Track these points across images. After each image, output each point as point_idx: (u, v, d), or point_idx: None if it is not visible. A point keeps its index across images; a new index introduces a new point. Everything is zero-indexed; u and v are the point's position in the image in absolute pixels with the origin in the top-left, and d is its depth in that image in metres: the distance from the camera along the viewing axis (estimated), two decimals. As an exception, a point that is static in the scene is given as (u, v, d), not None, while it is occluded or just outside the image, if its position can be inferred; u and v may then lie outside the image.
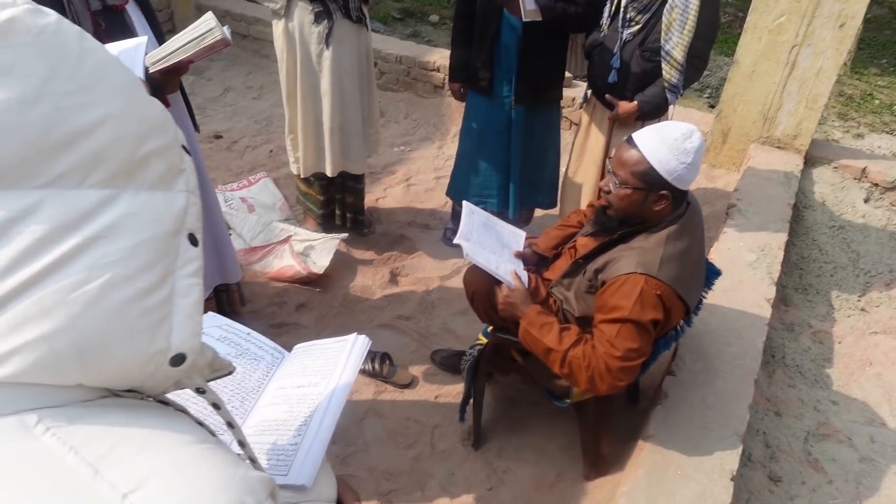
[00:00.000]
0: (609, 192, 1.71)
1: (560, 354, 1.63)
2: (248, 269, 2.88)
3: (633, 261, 1.63)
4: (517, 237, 2.03)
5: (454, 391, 2.43)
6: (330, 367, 0.87)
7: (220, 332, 0.95)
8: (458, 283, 2.98)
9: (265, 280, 2.87)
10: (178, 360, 0.49)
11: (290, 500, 0.74)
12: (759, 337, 2.28)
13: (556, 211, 3.12)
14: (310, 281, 2.86)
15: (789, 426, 2.37)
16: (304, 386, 0.87)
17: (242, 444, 0.64)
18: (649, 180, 1.60)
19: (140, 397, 0.53)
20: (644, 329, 1.61)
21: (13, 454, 0.41)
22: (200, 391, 0.55)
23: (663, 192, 1.61)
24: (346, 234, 3.05)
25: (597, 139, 2.78)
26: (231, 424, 0.61)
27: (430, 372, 2.51)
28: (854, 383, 2.61)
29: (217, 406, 0.58)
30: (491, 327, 2.06)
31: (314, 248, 2.95)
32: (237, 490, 0.45)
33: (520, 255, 1.97)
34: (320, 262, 2.88)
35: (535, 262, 2.03)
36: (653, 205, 1.64)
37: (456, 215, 3.21)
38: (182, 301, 0.48)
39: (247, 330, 0.96)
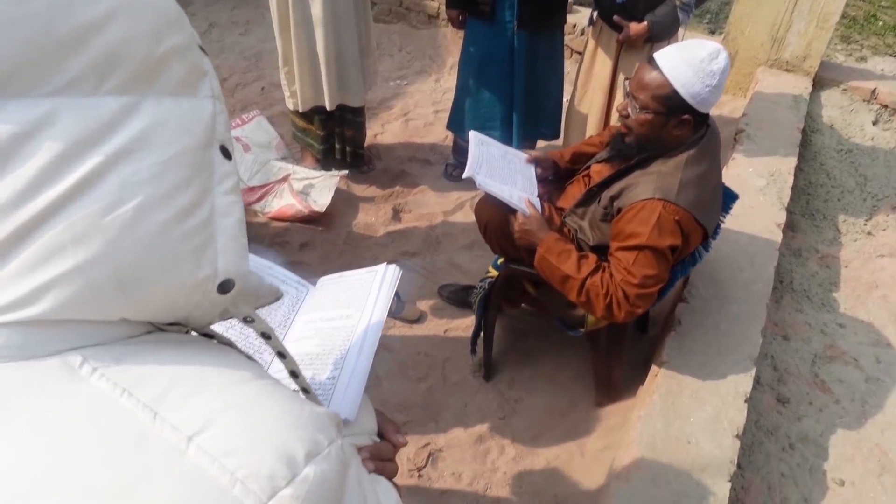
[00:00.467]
0: (627, 117, 1.64)
1: (578, 282, 1.60)
2: (247, 209, 2.82)
3: (651, 186, 1.58)
4: (528, 164, 1.97)
5: (463, 325, 2.42)
6: (361, 298, 0.83)
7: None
8: (462, 217, 2.94)
9: (265, 220, 2.82)
10: (225, 286, 0.44)
11: None
12: (771, 262, 2.26)
13: (559, 141, 3.04)
14: (311, 220, 2.81)
15: (797, 349, 2.39)
16: (335, 318, 0.82)
17: (295, 374, 0.60)
18: (671, 104, 1.54)
19: (185, 331, 0.49)
20: (662, 255, 1.58)
21: (62, 399, 0.37)
22: (248, 320, 0.51)
23: (685, 116, 1.55)
24: (346, 171, 2.97)
25: (603, 64, 2.68)
26: (283, 354, 0.57)
27: (437, 307, 2.50)
28: (860, 306, 2.62)
29: (267, 336, 0.54)
30: (502, 259, 2.03)
31: (314, 187, 2.88)
32: (308, 427, 0.41)
33: (534, 160, 1.92)
34: (321, 200, 2.82)
35: (552, 169, 1.97)
36: (673, 129, 1.58)
37: (458, 149, 3.13)
38: (224, 221, 0.44)
39: (269, 263, 0.91)
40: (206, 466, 0.37)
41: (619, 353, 2.05)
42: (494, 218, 1.83)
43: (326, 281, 0.91)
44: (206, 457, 0.37)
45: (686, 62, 1.49)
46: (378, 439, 0.73)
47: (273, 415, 0.41)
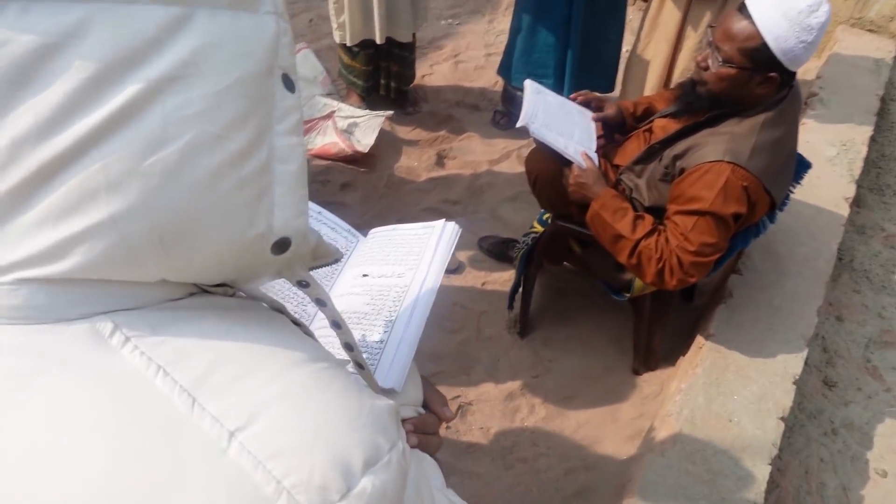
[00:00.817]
0: (706, 69, 1.51)
1: (631, 243, 1.51)
2: (289, 144, 2.76)
3: (721, 147, 1.46)
4: (587, 116, 1.86)
5: (501, 279, 2.36)
6: (415, 256, 0.76)
7: None
8: (507, 167, 2.84)
9: (308, 157, 2.76)
10: (282, 245, 0.38)
11: None
12: (835, 238, 2.13)
13: (615, 94, 2.88)
14: (354, 160, 2.74)
15: (850, 332, 2.27)
16: (386, 276, 0.76)
17: (350, 347, 0.54)
18: (759, 59, 1.39)
19: (231, 293, 0.42)
20: (723, 223, 1.47)
21: (88, 376, 0.32)
22: (303, 284, 0.44)
23: (771, 73, 1.41)
24: (392, 112, 2.88)
25: (671, 13, 2.49)
26: (338, 324, 0.50)
27: (476, 258, 2.44)
28: (924, 291, 2.47)
29: (322, 303, 0.47)
30: (548, 214, 1.95)
31: (358, 126, 2.80)
32: (367, 427, 0.35)
33: (600, 118, 1.80)
34: (365, 140, 2.75)
35: (619, 122, 1.85)
36: (756, 87, 1.44)
37: (507, 96, 3.00)
38: (283, 169, 0.37)
39: (318, 208, 0.84)
40: (250, 470, 0.31)
41: (662, 321, 1.97)
42: (546, 169, 1.73)
43: (379, 233, 0.84)
44: (250, 459, 0.31)
45: (783, 13, 1.34)
46: (423, 410, 0.68)
47: (330, 410, 0.35)
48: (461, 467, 1.81)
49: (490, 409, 1.96)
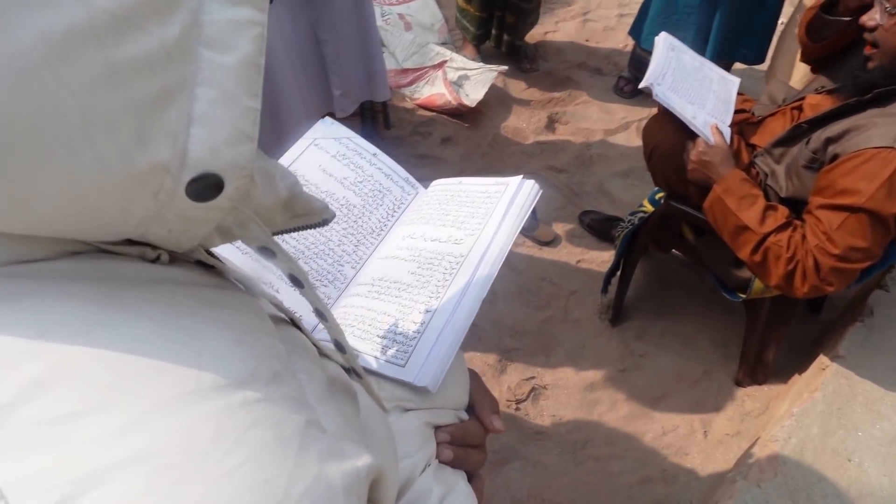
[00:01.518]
0: (874, 29, 1.23)
1: (757, 237, 1.28)
2: (396, 91, 2.66)
3: (892, 132, 1.19)
4: (729, 84, 1.59)
5: (598, 258, 2.16)
6: (479, 219, 0.62)
7: (338, 146, 0.68)
8: (623, 139, 2.59)
9: (413, 106, 2.66)
10: (206, 187, 0.24)
11: (405, 403, 0.51)
12: None
13: (762, 67, 2.54)
14: (459, 113, 2.60)
15: None
16: (440, 240, 0.62)
17: (340, 347, 0.38)
18: None
19: (154, 256, 0.28)
20: (881, 224, 1.21)
21: None
22: (267, 252, 0.31)
23: None
24: (506, 68, 2.70)
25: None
26: (322, 315, 0.36)
27: (574, 233, 2.25)
28: None
29: (297, 281, 0.33)
30: (661, 194, 1.72)
31: (469, 79, 2.65)
32: None
33: None
34: (473, 94, 2.59)
35: None
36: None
37: (636, 61, 2.73)
38: (215, 59, 0.23)
39: (373, 149, 0.70)
40: None
41: (780, 331, 1.71)
42: (666, 141, 1.51)
43: (441, 186, 0.70)
44: None
45: None
46: (466, 415, 0.55)
47: (226, 489, 0.20)
48: (525, 453, 1.67)
49: (566, 397, 1.80)
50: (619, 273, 1.91)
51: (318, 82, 1.88)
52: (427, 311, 0.55)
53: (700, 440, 1.72)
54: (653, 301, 2.06)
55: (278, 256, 0.31)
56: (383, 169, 0.70)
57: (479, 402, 0.56)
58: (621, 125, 2.66)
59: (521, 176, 0.65)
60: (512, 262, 2.13)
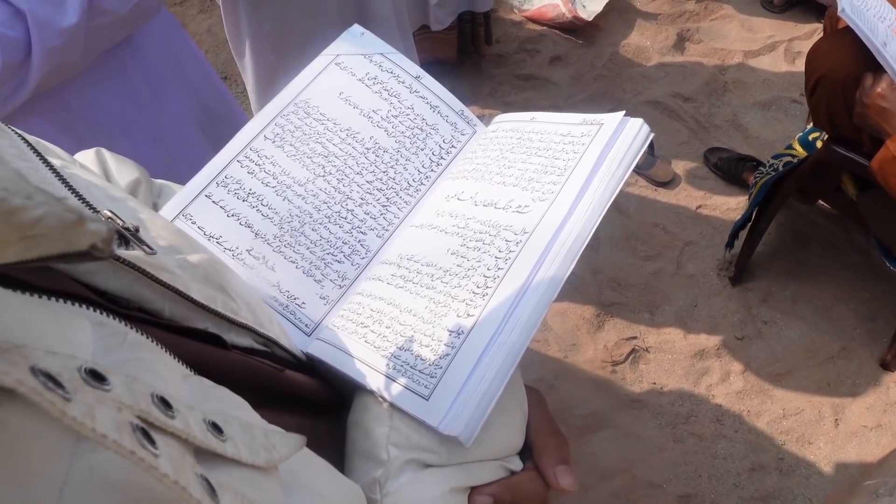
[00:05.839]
0: None
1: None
2: (502, 2, 2.38)
3: None
4: None
5: (723, 205, 1.87)
6: (557, 175, 0.42)
7: (369, 66, 0.49)
8: (768, 63, 2.19)
9: (520, 19, 2.37)
10: None
11: (424, 456, 0.35)
12: None
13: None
14: (573, 29, 2.29)
15: None
16: (497, 206, 0.42)
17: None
18: None
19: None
20: None
21: None
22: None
23: None
24: (632, -26, 2.33)
25: None
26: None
27: (697, 174, 1.95)
28: None
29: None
30: (817, 134, 1.40)
31: (587, -13, 2.31)
32: None
33: None
34: (591, 6, 2.26)
35: None
36: None
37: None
38: None
39: (416, 70, 0.50)
40: None
41: (953, 312, 1.39)
42: (841, 69, 1.18)
43: (506, 124, 0.49)
44: None
45: None
46: (518, 463, 0.37)
47: None
48: (618, 422, 1.50)
49: (671, 363, 1.59)
50: (749, 225, 1.63)
51: (412, -11, 1.66)
52: (468, 317, 0.37)
53: (829, 429, 1.47)
54: (785, 259, 1.76)
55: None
56: (429, 98, 0.50)
57: (540, 443, 0.38)
58: (766, 45, 2.24)
59: (623, 112, 0.44)
60: (620, 204, 1.88)
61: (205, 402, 0.23)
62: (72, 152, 0.68)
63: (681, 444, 1.47)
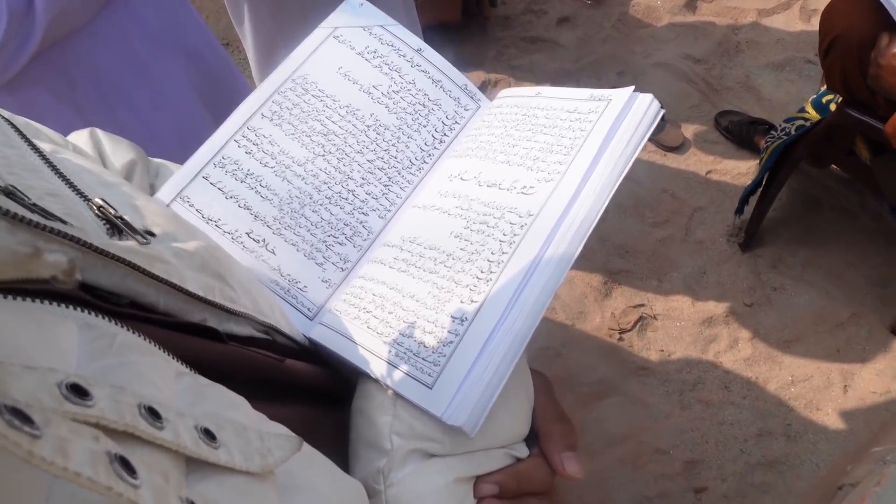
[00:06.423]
0: None
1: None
2: (509, -40, 2.31)
3: None
4: None
5: (734, 169, 1.84)
6: (563, 154, 0.40)
7: (368, 39, 0.47)
8: (782, 22, 2.13)
9: (527, -21, 2.30)
10: None
11: (428, 446, 0.34)
12: None
13: None
14: (581, -12, 2.23)
15: None
16: (501, 187, 0.41)
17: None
18: None
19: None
20: None
21: None
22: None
23: None
24: (642, -71, 2.25)
25: None
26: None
27: (708, 137, 1.91)
28: None
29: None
30: (830, 96, 1.36)
31: (595, -56, 2.24)
32: None
33: None
34: (599, -37, 2.20)
35: None
36: None
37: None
38: None
39: (418, 43, 0.48)
40: None
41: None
42: (855, 30, 1.14)
43: (510, 100, 0.47)
44: None
45: None
46: (524, 450, 0.37)
47: None
48: (626, 389, 1.50)
49: (679, 330, 1.59)
50: (760, 190, 1.60)
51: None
52: (472, 303, 0.36)
53: (838, 395, 1.47)
54: (796, 225, 1.74)
55: None
56: (431, 72, 0.48)
57: (546, 429, 0.37)
58: (780, 4, 2.18)
59: (633, 88, 0.42)
60: (629, 172, 1.85)
61: (198, 404, 0.23)
62: (73, 124, 0.67)
63: (688, 411, 1.47)
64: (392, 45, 0.48)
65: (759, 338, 1.56)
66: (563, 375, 1.52)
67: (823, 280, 1.64)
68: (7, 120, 0.33)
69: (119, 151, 0.45)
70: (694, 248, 1.72)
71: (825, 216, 1.74)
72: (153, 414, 0.18)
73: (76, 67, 0.80)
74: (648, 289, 1.66)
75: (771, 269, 1.67)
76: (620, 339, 1.58)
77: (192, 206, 0.43)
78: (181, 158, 0.46)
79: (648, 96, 0.41)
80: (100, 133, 0.46)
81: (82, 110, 0.81)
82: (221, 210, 0.43)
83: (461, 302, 0.37)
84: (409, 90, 0.47)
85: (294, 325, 0.40)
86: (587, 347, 1.57)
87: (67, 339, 0.20)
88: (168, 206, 0.43)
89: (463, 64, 2.10)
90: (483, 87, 2.07)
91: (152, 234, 0.31)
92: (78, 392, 0.16)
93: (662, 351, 1.56)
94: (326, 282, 0.43)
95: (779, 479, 1.37)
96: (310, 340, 0.41)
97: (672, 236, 1.74)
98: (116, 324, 0.23)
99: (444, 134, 0.47)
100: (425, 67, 0.48)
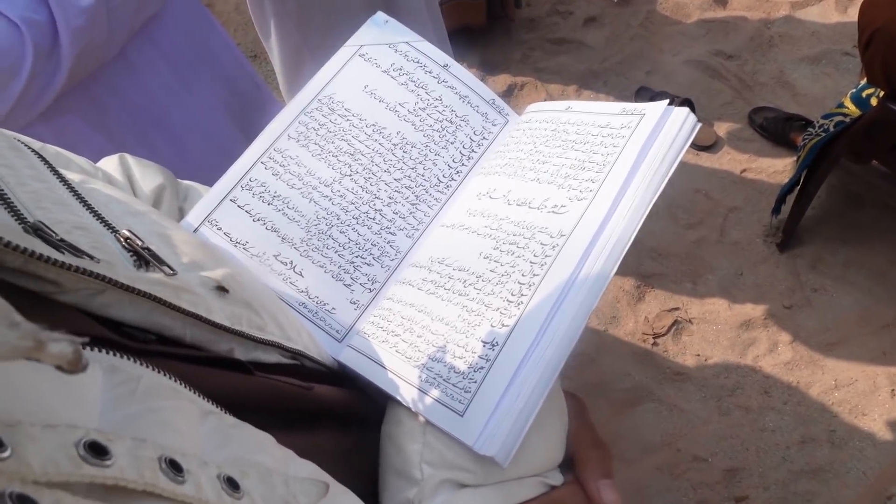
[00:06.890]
0: None
1: None
2: (533, -38, 2.29)
3: None
4: None
5: (769, 168, 1.79)
6: (596, 171, 0.39)
7: (394, 56, 0.47)
8: (818, 14, 2.07)
9: (552, -20, 2.28)
10: None
11: (459, 475, 0.33)
12: None
13: None
14: (607, -13, 2.20)
15: None
16: (531, 205, 0.40)
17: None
18: None
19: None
20: None
21: None
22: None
23: None
24: (669, -75, 2.21)
25: None
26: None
27: (741, 135, 1.87)
28: None
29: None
30: (871, 90, 1.32)
31: (621, -58, 2.21)
32: None
33: None
34: (626, -39, 2.17)
35: None
36: None
37: None
38: None
39: (444, 58, 0.47)
40: None
41: None
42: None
43: (540, 114, 0.45)
44: None
45: None
46: (558, 477, 0.36)
47: None
48: (661, 394, 1.47)
49: (715, 334, 1.55)
50: (798, 188, 1.55)
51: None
52: (503, 327, 0.35)
53: (885, 400, 1.42)
54: (836, 223, 1.68)
55: None
56: (457, 88, 0.47)
57: (582, 455, 0.36)
58: (816, -5, 2.12)
59: (667, 101, 0.41)
60: (660, 171, 1.82)
61: (223, 447, 0.22)
62: (105, 149, 0.68)
63: (727, 417, 1.44)
64: (418, 62, 0.47)
65: (799, 341, 1.52)
66: (597, 382, 1.49)
67: (866, 280, 1.59)
68: (37, 152, 0.33)
69: (148, 176, 0.45)
70: (729, 250, 1.68)
71: (867, 213, 1.68)
72: (174, 467, 0.18)
73: (108, 96, 0.81)
74: (683, 292, 1.62)
75: (811, 270, 1.62)
76: (655, 343, 1.55)
77: (220, 229, 0.43)
78: (215, 177, 0.46)
79: (684, 110, 0.39)
80: (129, 158, 0.46)
81: (114, 136, 0.82)
82: (249, 233, 0.43)
83: (491, 326, 0.36)
84: (435, 107, 0.46)
85: (322, 348, 0.40)
86: (621, 353, 1.54)
87: (91, 388, 0.20)
88: (196, 230, 0.43)
89: (489, 67, 2.09)
90: (509, 90, 2.05)
91: (179, 264, 0.31)
92: (97, 451, 0.16)
93: (699, 355, 1.52)
94: (355, 303, 0.42)
95: (824, 488, 1.32)
96: (338, 363, 0.40)
97: (706, 237, 1.70)
98: (141, 364, 0.23)
99: (472, 150, 0.46)
100: (452, 83, 0.47)
